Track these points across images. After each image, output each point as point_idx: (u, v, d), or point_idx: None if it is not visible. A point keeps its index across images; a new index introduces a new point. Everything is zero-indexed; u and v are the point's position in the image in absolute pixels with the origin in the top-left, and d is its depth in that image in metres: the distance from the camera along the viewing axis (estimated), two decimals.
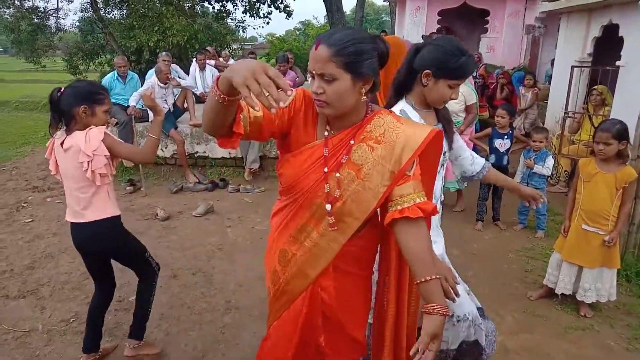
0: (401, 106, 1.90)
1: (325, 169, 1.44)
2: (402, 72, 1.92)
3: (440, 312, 1.37)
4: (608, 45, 5.62)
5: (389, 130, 1.45)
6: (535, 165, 4.36)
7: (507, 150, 4.65)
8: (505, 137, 4.63)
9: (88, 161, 2.19)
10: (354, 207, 1.47)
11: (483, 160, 2.24)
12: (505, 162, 4.67)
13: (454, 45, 1.82)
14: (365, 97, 1.42)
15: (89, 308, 2.57)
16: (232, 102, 1.22)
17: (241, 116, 1.35)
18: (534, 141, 4.45)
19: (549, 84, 7.32)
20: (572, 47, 6.26)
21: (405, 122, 1.50)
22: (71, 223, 2.37)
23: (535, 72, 9.63)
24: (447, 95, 1.84)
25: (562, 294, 3.23)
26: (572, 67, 5.89)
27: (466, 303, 2.09)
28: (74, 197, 2.31)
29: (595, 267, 3.08)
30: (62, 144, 2.26)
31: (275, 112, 1.15)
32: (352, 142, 1.45)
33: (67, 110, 2.22)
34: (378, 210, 1.56)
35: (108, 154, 2.24)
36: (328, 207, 1.46)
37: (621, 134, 2.90)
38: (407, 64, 1.91)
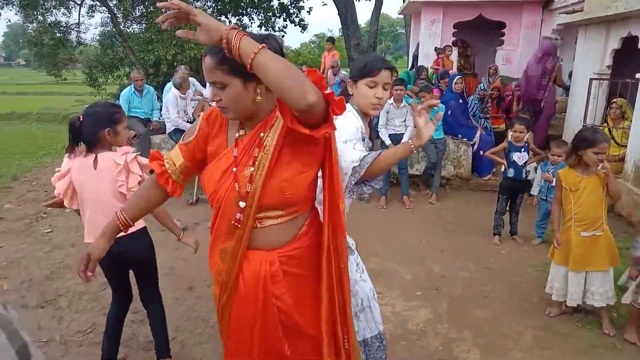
0: (349, 108, 2.00)
1: (234, 169, 1.46)
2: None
3: None
4: (628, 58, 5.56)
5: None
6: (554, 179, 4.29)
7: (525, 163, 4.60)
8: (522, 149, 4.58)
9: (126, 177, 2.32)
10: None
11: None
12: (524, 175, 4.62)
13: (366, 54, 2.01)
14: (259, 98, 1.42)
15: (107, 320, 2.59)
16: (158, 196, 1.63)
17: (169, 172, 1.56)
18: (552, 154, 4.39)
19: (567, 96, 7.25)
20: (590, 59, 6.20)
21: None
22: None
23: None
24: (370, 95, 1.95)
25: (585, 310, 3.19)
26: (591, 79, 5.84)
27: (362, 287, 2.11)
28: (107, 214, 2.20)
29: (607, 268, 3.10)
30: (94, 162, 2.30)
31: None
32: (262, 134, 1.46)
33: (91, 135, 2.30)
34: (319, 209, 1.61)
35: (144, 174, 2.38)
36: (242, 204, 1.46)
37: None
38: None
